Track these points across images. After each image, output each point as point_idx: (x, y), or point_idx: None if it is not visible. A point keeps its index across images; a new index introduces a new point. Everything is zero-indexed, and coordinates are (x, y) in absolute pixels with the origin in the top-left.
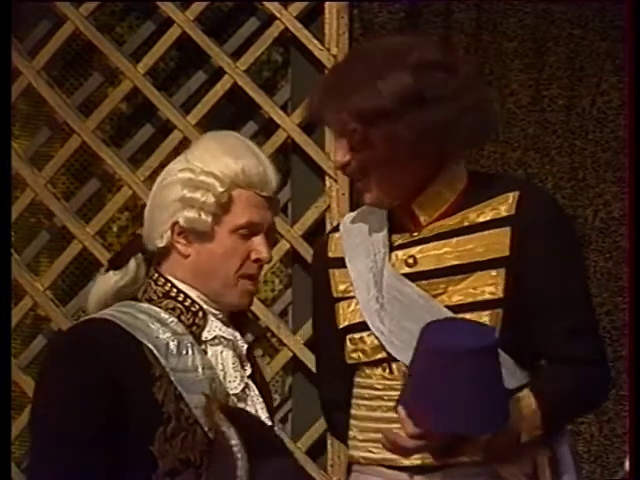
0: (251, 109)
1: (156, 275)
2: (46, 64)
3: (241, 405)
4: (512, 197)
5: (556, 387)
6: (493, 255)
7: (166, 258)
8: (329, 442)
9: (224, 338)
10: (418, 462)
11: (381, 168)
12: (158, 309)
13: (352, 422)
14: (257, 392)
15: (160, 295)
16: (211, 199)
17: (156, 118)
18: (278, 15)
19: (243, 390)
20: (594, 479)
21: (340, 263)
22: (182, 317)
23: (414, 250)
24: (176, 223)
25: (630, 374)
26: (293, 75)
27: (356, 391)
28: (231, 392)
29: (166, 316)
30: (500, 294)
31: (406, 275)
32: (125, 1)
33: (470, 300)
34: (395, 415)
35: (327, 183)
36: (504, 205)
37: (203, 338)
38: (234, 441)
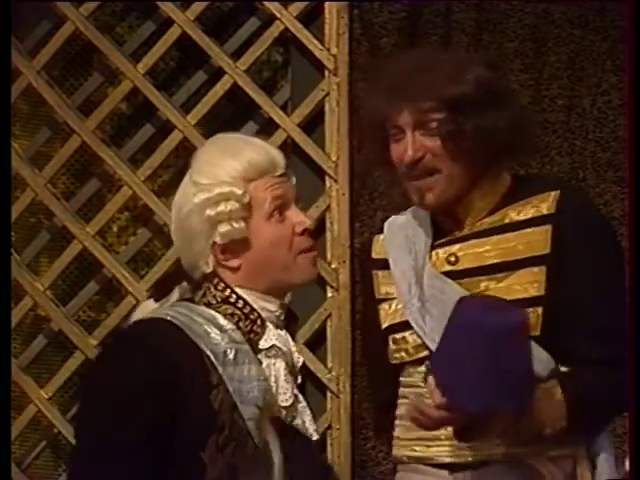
0: (251, 109)
1: (216, 280)
2: (46, 64)
3: (290, 418)
4: (553, 196)
5: (581, 384)
6: (534, 253)
7: (218, 277)
8: (329, 442)
9: (279, 349)
10: (459, 460)
11: (454, 163)
12: (216, 314)
13: (397, 422)
14: (305, 403)
15: (219, 300)
16: (235, 205)
17: (156, 118)
18: (278, 15)
19: (293, 403)
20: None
21: (383, 264)
22: (240, 324)
23: (455, 248)
24: (214, 244)
25: (630, 374)
26: (293, 75)
27: (401, 390)
28: (282, 404)
29: (224, 322)
30: (542, 292)
31: (447, 273)
32: (125, 1)
33: (511, 298)
34: None
35: (327, 183)
36: (545, 203)
37: (260, 347)
38: (276, 457)
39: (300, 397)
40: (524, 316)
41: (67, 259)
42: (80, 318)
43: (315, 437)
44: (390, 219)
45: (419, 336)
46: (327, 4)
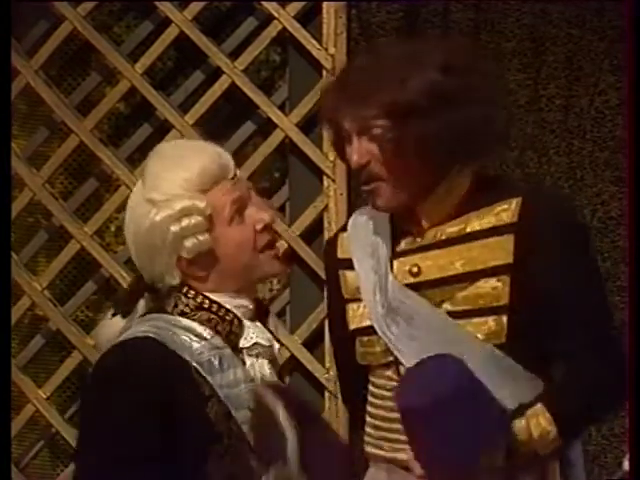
0: (249, 109)
1: (185, 288)
2: (44, 64)
3: None
4: (515, 203)
5: (569, 395)
6: (496, 262)
7: (186, 285)
8: None
9: (261, 345)
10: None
11: (399, 170)
12: (193, 323)
13: (367, 419)
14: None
15: (193, 308)
16: (198, 218)
17: (154, 118)
18: (276, 15)
19: None
20: (592, 479)
21: (349, 264)
22: (218, 327)
23: (416, 258)
24: (180, 258)
25: (630, 374)
26: (291, 75)
27: (370, 389)
28: None
29: (202, 330)
30: (505, 301)
31: (411, 285)
32: (123, 1)
33: (475, 307)
34: None
35: (325, 183)
36: (507, 212)
37: (241, 346)
38: (284, 421)
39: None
40: (458, 365)
41: (65, 259)
42: (78, 318)
43: None
44: (353, 216)
45: (385, 342)
46: (325, 4)
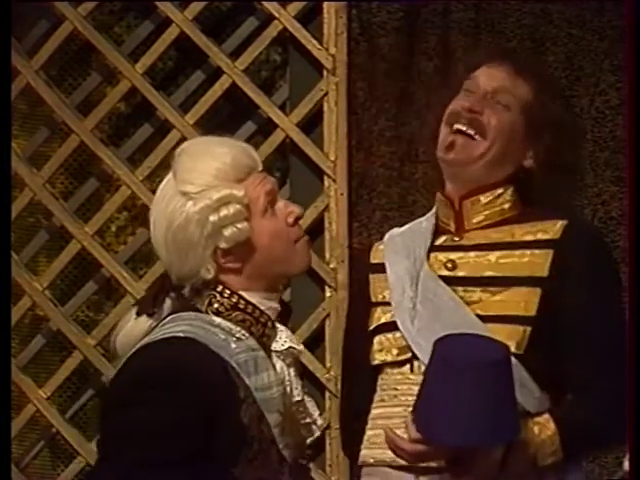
0: (249, 109)
1: (220, 287)
2: (44, 64)
3: (301, 409)
4: (560, 224)
5: (578, 416)
6: (531, 273)
7: (220, 283)
8: (328, 442)
9: (293, 349)
10: (425, 464)
11: (495, 144)
12: (229, 323)
13: (371, 423)
14: (306, 390)
15: (228, 307)
16: (237, 207)
17: (154, 118)
18: (276, 15)
19: (303, 397)
20: (592, 479)
21: (380, 268)
22: (252, 329)
23: (455, 255)
24: (216, 250)
25: (630, 374)
26: (291, 75)
27: (378, 393)
28: (294, 400)
29: (238, 330)
30: (532, 312)
31: (443, 278)
32: (123, 1)
33: (502, 313)
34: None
35: (326, 183)
36: (551, 229)
37: (272, 348)
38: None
39: (303, 384)
40: (500, 352)
41: (66, 259)
42: (79, 318)
43: (320, 422)
44: (391, 231)
45: (405, 338)
46: (325, 4)
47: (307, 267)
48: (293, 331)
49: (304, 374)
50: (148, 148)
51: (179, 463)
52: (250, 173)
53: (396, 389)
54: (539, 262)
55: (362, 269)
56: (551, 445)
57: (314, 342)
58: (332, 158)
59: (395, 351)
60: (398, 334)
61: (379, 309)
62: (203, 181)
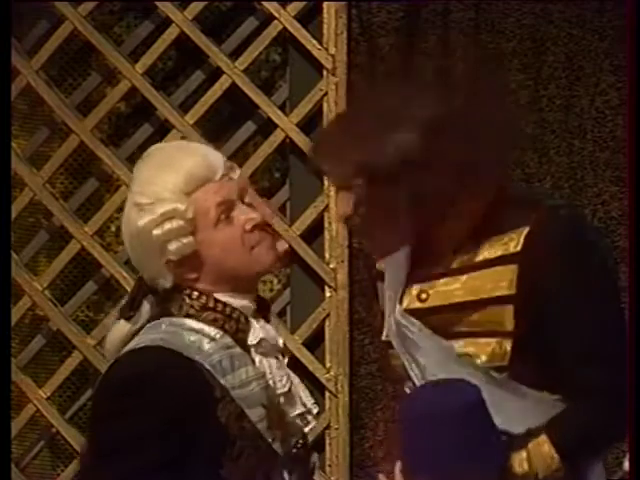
0: (249, 109)
1: (189, 290)
2: (45, 64)
3: (288, 401)
4: (523, 233)
5: (573, 424)
6: (499, 293)
7: (181, 288)
8: (327, 442)
9: (266, 341)
10: None
11: (381, 224)
12: (201, 324)
13: None
14: (296, 379)
15: (198, 308)
16: (179, 222)
17: (154, 118)
18: (276, 15)
19: (289, 388)
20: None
21: (382, 277)
22: (226, 326)
23: (426, 285)
24: (169, 261)
25: (630, 374)
26: (291, 75)
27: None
28: (279, 392)
29: (210, 330)
30: (509, 328)
31: (417, 310)
32: (123, 1)
33: (480, 329)
34: None
35: (325, 183)
36: (513, 241)
37: (249, 343)
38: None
39: (291, 375)
40: (475, 392)
41: (65, 259)
42: (78, 318)
43: (315, 410)
44: None
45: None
46: (325, 4)
47: (269, 268)
48: (292, 331)
49: (304, 374)
50: (148, 148)
51: (158, 470)
52: (203, 184)
53: None
54: (504, 279)
55: (372, 276)
56: (552, 464)
57: (314, 342)
58: None
59: (401, 367)
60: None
61: (386, 322)
62: (153, 194)
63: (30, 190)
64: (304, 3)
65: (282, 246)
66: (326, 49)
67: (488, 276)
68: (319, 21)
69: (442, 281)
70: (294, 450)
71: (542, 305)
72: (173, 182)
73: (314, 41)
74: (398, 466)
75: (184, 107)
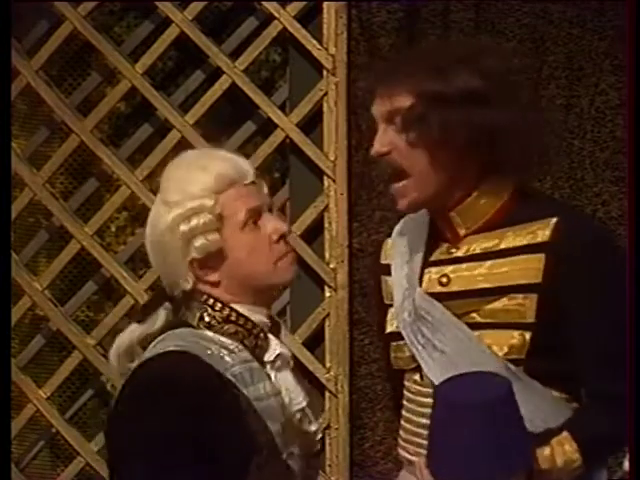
0: (249, 109)
1: (212, 300)
2: (44, 64)
3: (304, 418)
4: (551, 224)
5: (595, 424)
6: (525, 280)
7: (200, 295)
8: (327, 442)
9: (283, 357)
10: None
11: (421, 165)
12: (222, 337)
13: (401, 422)
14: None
15: (220, 320)
16: (207, 217)
17: (154, 118)
18: (276, 15)
19: (306, 404)
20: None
21: (389, 270)
22: (245, 341)
23: (448, 269)
24: (192, 260)
25: (630, 374)
26: (291, 75)
27: (404, 393)
28: (296, 409)
29: (230, 343)
30: (531, 319)
31: (438, 294)
32: (123, 1)
33: (501, 320)
34: (424, 420)
35: (325, 183)
36: (542, 231)
37: (265, 360)
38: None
39: (305, 393)
40: (505, 386)
41: (65, 259)
42: (78, 318)
43: (315, 427)
44: (401, 221)
45: (410, 349)
46: (325, 4)
47: (288, 283)
48: (292, 331)
49: (304, 374)
50: (148, 148)
51: (189, 473)
52: (233, 185)
53: (409, 396)
54: (532, 268)
55: (375, 269)
56: (574, 462)
57: (314, 342)
58: (332, 158)
59: (407, 359)
60: (404, 343)
61: (390, 313)
62: (183, 191)
63: (30, 190)
64: (304, 3)
65: (294, 257)
66: (326, 49)
67: (514, 263)
68: (319, 21)
69: (465, 265)
70: (308, 470)
71: (567, 298)
72: (203, 181)
73: (314, 41)
74: (422, 461)
75: (184, 107)
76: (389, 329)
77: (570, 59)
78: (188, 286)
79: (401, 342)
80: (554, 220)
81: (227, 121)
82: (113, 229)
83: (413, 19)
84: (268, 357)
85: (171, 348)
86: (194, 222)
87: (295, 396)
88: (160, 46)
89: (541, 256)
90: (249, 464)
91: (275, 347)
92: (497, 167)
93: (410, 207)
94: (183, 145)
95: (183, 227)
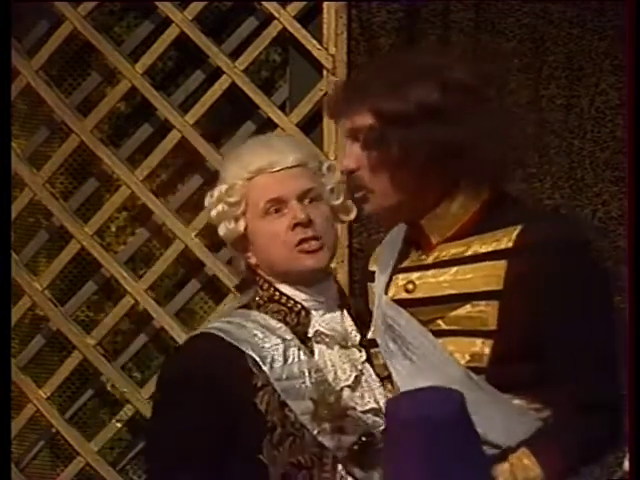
0: (249, 109)
1: (261, 280)
2: (45, 64)
3: (353, 395)
4: (516, 231)
5: (574, 429)
6: (487, 287)
7: (255, 274)
8: None
9: (324, 334)
10: None
11: (385, 181)
12: (266, 315)
13: None
14: (373, 374)
15: (266, 299)
16: (224, 207)
17: (154, 118)
18: (276, 15)
19: (356, 378)
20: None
21: (373, 277)
22: (287, 318)
23: (414, 276)
24: (228, 243)
25: (630, 375)
26: (291, 75)
27: None
28: (345, 384)
29: (274, 322)
30: (492, 326)
31: (404, 301)
32: (123, 1)
33: (464, 327)
34: None
35: None
36: (506, 237)
37: (308, 335)
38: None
39: (367, 367)
40: (458, 399)
41: (65, 259)
42: (78, 318)
43: (371, 406)
44: (392, 230)
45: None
46: (325, 4)
47: (313, 269)
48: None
49: None
50: (148, 148)
51: (205, 454)
52: (260, 173)
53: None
54: (494, 275)
55: (363, 276)
56: (535, 475)
57: None
58: (332, 158)
59: (381, 367)
60: (378, 349)
61: (373, 319)
62: (222, 177)
63: (30, 190)
64: (304, 3)
65: (317, 245)
66: (326, 49)
67: (478, 270)
68: (319, 21)
69: (430, 272)
70: (354, 447)
71: (527, 304)
72: (230, 169)
73: (314, 41)
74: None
75: (184, 107)
76: (369, 336)
77: (570, 59)
78: (242, 266)
79: (377, 349)
80: (519, 227)
81: (227, 121)
82: (113, 229)
83: (413, 19)
84: (310, 333)
85: (201, 330)
86: (217, 209)
87: (341, 372)
88: (160, 46)
89: (503, 263)
90: (260, 441)
91: (314, 324)
92: (467, 176)
93: (374, 211)
94: (183, 145)
95: (213, 213)
